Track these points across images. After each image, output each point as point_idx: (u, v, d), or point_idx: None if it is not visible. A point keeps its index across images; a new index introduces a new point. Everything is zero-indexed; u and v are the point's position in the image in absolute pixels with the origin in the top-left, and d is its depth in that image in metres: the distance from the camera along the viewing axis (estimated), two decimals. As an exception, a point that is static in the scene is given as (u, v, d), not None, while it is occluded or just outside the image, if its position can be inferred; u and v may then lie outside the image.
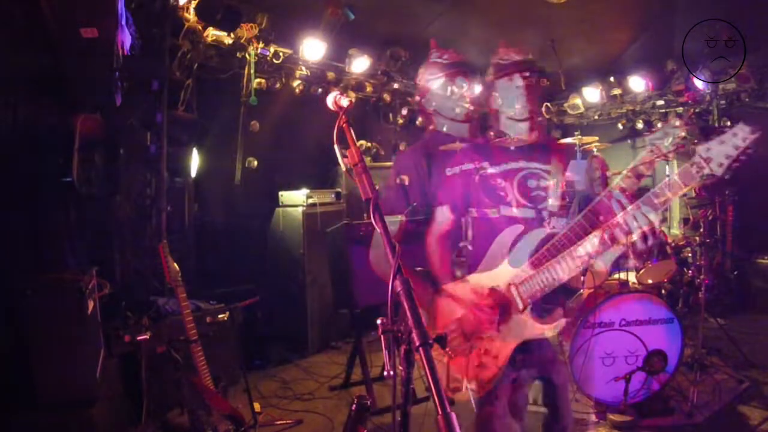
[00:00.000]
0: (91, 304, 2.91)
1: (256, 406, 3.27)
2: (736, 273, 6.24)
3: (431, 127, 3.23)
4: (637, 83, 6.97)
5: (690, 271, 4.89)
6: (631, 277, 4.12)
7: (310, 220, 5.12)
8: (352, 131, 1.47)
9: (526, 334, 1.99)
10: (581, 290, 2.34)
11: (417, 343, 1.08)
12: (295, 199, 5.20)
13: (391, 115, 6.85)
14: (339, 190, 5.58)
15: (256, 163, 5.36)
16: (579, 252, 1.88)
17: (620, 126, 7.72)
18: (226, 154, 5.21)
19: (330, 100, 1.56)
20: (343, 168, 1.46)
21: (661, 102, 7.20)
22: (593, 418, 3.46)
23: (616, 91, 7.24)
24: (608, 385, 3.42)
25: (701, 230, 4.57)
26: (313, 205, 5.18)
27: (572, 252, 1.89)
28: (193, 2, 4.25)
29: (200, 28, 4.47)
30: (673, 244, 4.88)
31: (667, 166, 5.06)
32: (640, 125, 7.46)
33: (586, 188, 3.47)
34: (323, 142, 3.29)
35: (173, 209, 4.54)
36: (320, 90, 5.70)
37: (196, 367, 2.90)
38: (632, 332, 3.47)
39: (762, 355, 4.48)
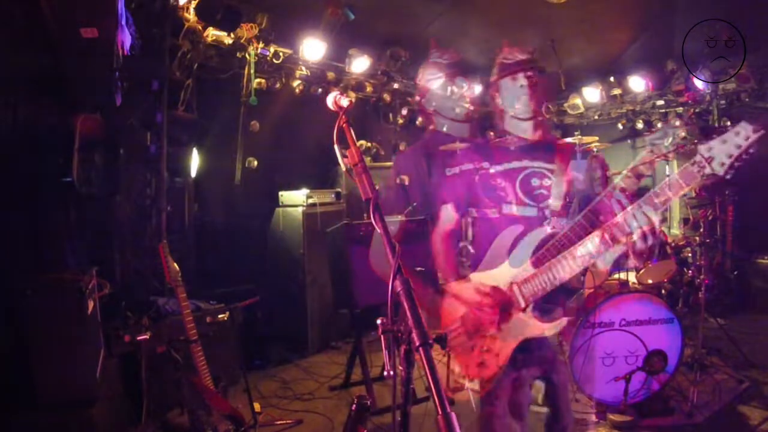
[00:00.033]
0: (91, 304, 2.91)
1: (256, 406, 3.27)
2: (736, 273, 6.24)
3: (431, 127, 3.24)
4: (637, 83, 6.98)
5: (690, 271, 4.90)
6: (631, 277, 4.12)
7: (310, 220, 5.12)
8: (352, 131, 1.47)
9: (527, 333, 2.00)
10: (581, 290, 2.34)
11: (417, 343, 1.08)
12: (295, 199, 5.20)
13: (391, 115, 6.83)
14: (339, 190, 5.59)
15: (256, 163, 5.35)
16: (580, 252, 1.88)
17: (620, 126, 7.73)
18: (226, 154, 5.21)
19: (330, 100, 1.55)
20: (343, 168, 1.46)
21: (661, 102, 7.20)
22: (593, 418, 3.47)
23: (616, 91, 7.24)
24: (608, 385, 3.42)
25: (701, 230, 4.58)
26: (313, 205, 5.18)
27: (573, 252, 1.89)
28: (193, 2, 4.26)
29: (200, 28, 4.47)
30: (673, 244, 4.89)
31: (667, 166, 5.05)
32: (640, 125, 7.47)
33: (587, 188, 3.47)
34: (323, 142, 3.29)
35: (173, 209, 4.55)
36: (320, 90, 5.70)
37: (196, 367, 2.90)
38: (632, 332, 3.47)
39: (762, 355, 4.48)
